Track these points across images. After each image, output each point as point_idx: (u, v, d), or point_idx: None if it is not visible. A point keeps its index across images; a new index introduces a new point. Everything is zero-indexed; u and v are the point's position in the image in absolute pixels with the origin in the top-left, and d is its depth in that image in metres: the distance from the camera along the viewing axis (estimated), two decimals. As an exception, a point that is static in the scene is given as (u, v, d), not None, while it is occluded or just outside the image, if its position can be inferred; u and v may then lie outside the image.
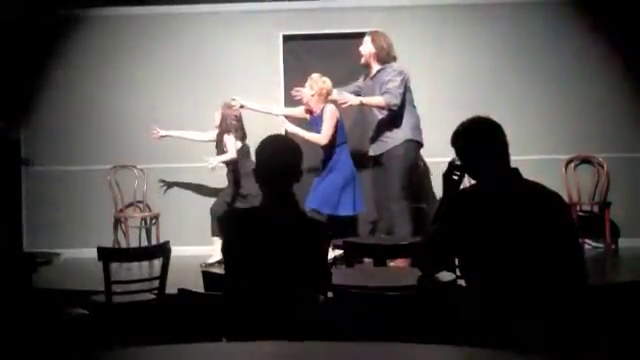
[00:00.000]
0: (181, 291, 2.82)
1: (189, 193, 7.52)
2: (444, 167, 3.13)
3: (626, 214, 7.18)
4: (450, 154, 3.08)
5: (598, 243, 7.12)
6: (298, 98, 6.44)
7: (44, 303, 4.65)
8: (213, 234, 6.44)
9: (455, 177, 3.08)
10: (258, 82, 7.39)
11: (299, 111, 6.46)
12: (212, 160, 6.41)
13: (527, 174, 2.96)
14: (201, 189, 7.45)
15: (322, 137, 6.11)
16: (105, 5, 7.56)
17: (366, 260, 5.24)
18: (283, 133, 6.00)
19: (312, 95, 6.22)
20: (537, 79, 7.37)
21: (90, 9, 7.57)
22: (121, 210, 7.46)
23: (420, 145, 6.26)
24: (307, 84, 6.26)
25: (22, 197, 7.53)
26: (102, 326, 4.31)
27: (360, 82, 6.43)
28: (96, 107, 7.53)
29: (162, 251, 4.50)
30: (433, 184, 7.05)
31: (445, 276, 3.22)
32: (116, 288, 4.40)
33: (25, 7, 7.44)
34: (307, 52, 7.49)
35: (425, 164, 7.07)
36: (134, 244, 7.32)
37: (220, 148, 6.58)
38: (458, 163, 3.06)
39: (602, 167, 7.21)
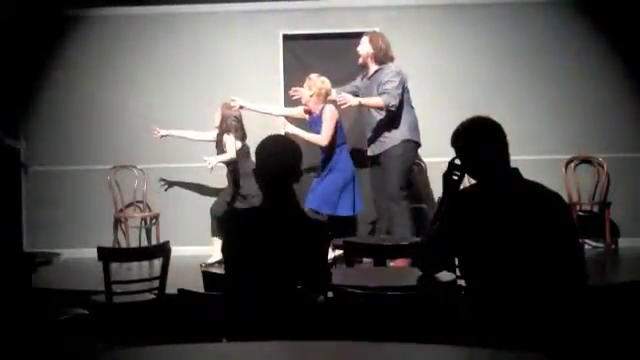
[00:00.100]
0: (181, 291, 2.82)
1: (189, 193, 7.52)
2: (444, 167, 3.13)
3: (626, 214, 7.18)
4: (450, 154, 3.08)
5: (598, 243, 7.12)
6: (296, 98, 6.44)
7: (44, 303, 4.65)
8: (213, 234, 6.45)
9: (455, 177, 3.08)
10: (258, 82, 7.39)
11: (298, 111, 6.45)
12: (211, 160, 6.41)
13: (527, 174, 2.96)
14: (201, 189, 7.45)
15: (322, 138, 6.11)
16: (105, 5, 7.56)
17: (366, 260, 5.24)
18: (283, 134, 6.00)
19: (311, 95, 6.22)
20: (537, 79, 7.38)
21: (90, 9, 7.57)
22: (121, 210, 7.46)
23: (418, 145, 6.27)
24: (306, 84, 6.26)
25: (22, 197, 7.53)
26: (102, 326, 4.31)
27: (358, 82, 6.44)
28: (96, 107, 7.53)
29: (162, 251, 4.50)
30: (433, 184, 7.05)
31: (445, 276, 3.22)
32: (116, 288, 4.40)
33: (25, 7, 7.44)
34: (307, 52, 7.49)
35: (424, 164, 7.07)
36: (134, 244, 7.32)
37: (220, 148, 6.58)
38: (458, 163, 3.06)
39: (602, 167, 7.21)
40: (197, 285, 3.16)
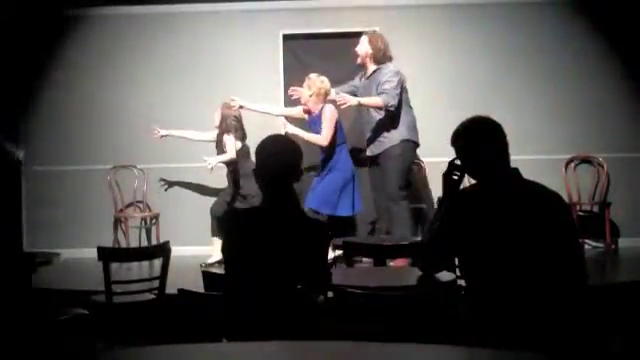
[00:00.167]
0: (181, 291, 2.82)
1: (189, 193, 7.52)
2: (444, 167, 3.13)
3: (626, 214, 7.18)
4: (450, 154, 3.08)
5: (598, 243, 7.12)
6: (294, 98, 6.44)
7: (44, 303, 4.65)
8: (213, 234, 6.45)
9: (455, 177, 3.08)
10: (258, 81, 7.40)
11: (297, 111, 6.45)
12: (211, 160, 6.40)
13: (527, 174, 2.96)
14: (201, 189, 7.45)
15: (323, 138, 6.11)
16: (105, 4, 7.56)
17: (366, 260, 5.24)
18: (283, 134, 6.00)
19: (310, 95, 6.21)
20: (537, 79, 7.38)
21: (90, 8, 7.57)
22: (121, 210, 7.46)
23: (416, 145, 6.28)
24: (305, 84, 6.26)
25: (22, 197, 7.53)
26: (102, 326, 4.31)
27: (356, 82, 6.45)
28: (96, 107, 7.53)
29: (162, 251, 4.50)
30: (433, 184, 7.05)
31: (445, 276, 3.22)
32: (116, 288, 4.40)
33: (25, 7, 7.44)
34: (307, 52, 7.49)
35: (424, 164, 7.07)
36: (134, 244, 7.32)
37: (220, 148, 6.58)
38: (458, 163, 3.06)
39: (602, 167, 7.21)
40: (197, 285, 3.16)
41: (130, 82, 7.54)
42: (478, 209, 2.90)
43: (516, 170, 2.95)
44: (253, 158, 3.14)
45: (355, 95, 6.19)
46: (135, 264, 6.22)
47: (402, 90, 6.14)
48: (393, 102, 6.02)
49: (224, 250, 3.05)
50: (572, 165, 7.26)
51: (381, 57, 6.20)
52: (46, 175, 7.53)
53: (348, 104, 6.02)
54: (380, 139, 6.19)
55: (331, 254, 5.69)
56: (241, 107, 6.54)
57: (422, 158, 6.95)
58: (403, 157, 6.16)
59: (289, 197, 3.02)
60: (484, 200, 2.92)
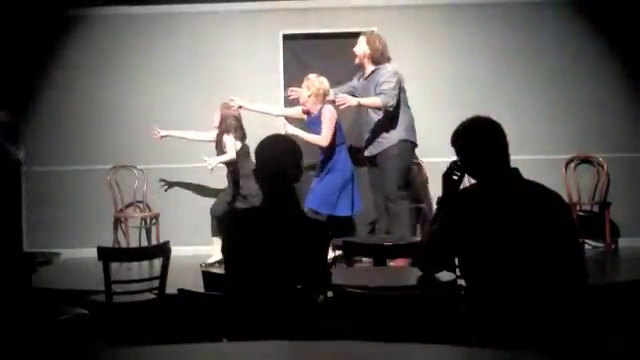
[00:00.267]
0: (181, 291, 2.82)
1: (189, 193, 7.52)
2: (443, 167, 3.13)
3: (626, 214, 7.18)
4: (450, 154, 3.08)
5: (598, 243, 7.12)
6: (292, 98, 6.45)
7: (44, 303, 4.65)
8: (213, 234, 6.45)
9: (455, 177, 3.08)
10: (258, 81, 7.39)
11: (296, 111, 6.45)
12: (211, 161, 6.41)
13: (527, 174, 2.96)
14: (201, 189, 7.45)
15: (323, 139, 6.11)
16: (105, 4, 7.55)
17: (366, 260, 5.24)
18: (283, 134, 6.00)
19: (309, 96, 6.22)
20: (537, 79, 7.38)
21: (90, 9, 7.57)
22: (121, 210, 7.46)
23: (415, 145, 6.30)
24: (304, 84, 6.26)
25: (22, 197, 7.53)
26: (102, 326, 4.31)
27: (354, 82, 6.46)
28: (96, 107, 7.53)
29: (162, 251, 4.50)
30: (432, 184, 7.05)
31: (445, 276, 3.22)
32: (116, 288, 4.40)
33: (25, 7, 7.43)
34: (307, 52, 7.49)
35: (423, 164, 7.07)
36: (134, 244, 7.32)
37: (220, 148, 6.58)
38: (458, 163, 3.06)
39: (602, 167, 7.21)
40: (197, 285, 3.16)
41: (130, 82, 7.54)
42: (478, 209, 2.90)
43: (516, 170, 2.95)
44: (253, 158, 3.14)
45: (353, 95, 6.19)
46: (135, 264, 6.22)
47: (400, 90, 6.15)
48: (392, 102, 6.03)
49: (224, 250, 3.05)
50: (572, 165, 7.26)
51: (379, 57, 6.21)
52: (46, 175, 7.53)
53: (347, 104, 6.02)
54: (378, 139, 6.20)
55: (331, 254, 5.69)
56: (240, 107, 6.55)
57: (422, 158, 6.95)
58: (401, 157, 6.17)
59: (289, 197, 3.03)
60: (484, 200, 2.92)
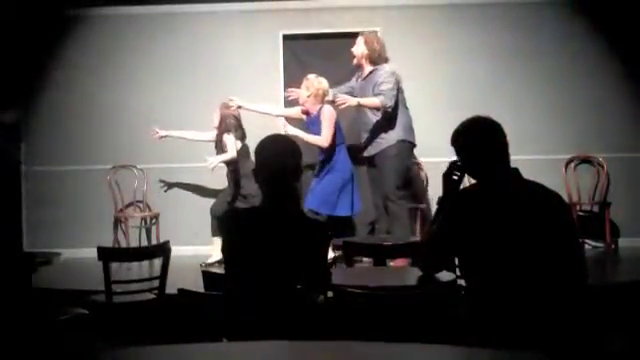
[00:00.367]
0: (181, 291, 2.82)
1: (189, 193, 7.52)
2: (443, 167, 3.13)
3: (626, 214, 7.18)
4: (449, 154, 3.08)
5: (598, 243, 7.12)
6: (291, 99, 6.45)
7: (44, 303, 4.65)
8: (213, 234, 6.44)
9: (455, 177, 3.09)
10: (258, 81, 7.39)
11: (296, 111, 6.46)
12: (212, 159, 6.41)
13: (527, 174, 2.96)
14: (201, 189, 7.45)
15: (323, 139, 6.11)
16: (105, 5, 7.56)
17: (366, 260, 5.24)
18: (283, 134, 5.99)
19: (308, 96, 6.22)
20: (537, 79, 7.38)
21: (90, 9, 7.57)
22: (121, 210, 7.46)
23: (413, 145, 6.30)
24: (303, 85, 6.27)
25: (22, 197, 7.53)
26: (102, 326, 4.31)
27: (352, 83, 6.47)
28: (96, 107, 7.53)
29: (162, 251, 4.50)
30: (432, 184, 7.05)
31: (445, 276, 3.22)
32: (116, 288, 4.40)
33: (26, 7, 7.44)
34: (307, 52, 7.49)
35: (423, 164, 7.07)
36: (134, 244, 7.32)
37: (219, 148, 6.58)
38: (458, 163, 3.06)
39: (602, 167, 7.21)
40: (197, 285, 3.16)
41: (130, 82, 7.54)
42: (478, 209, 2.90)
43: (516, 170, 2.95)
44: (253, 158, 3.13)
45: (352, 96, 6.19)
46: (135, 264, 6.21)
47: (398, 91, 6.15)
48: (390, 103, 6.04)
49: (224, 250, 3.05)
50: (572, 165, 7.26)
51: (377, 58, 6.22)
52: (46, 175, 7.53)
53: (347, 104, 6.03)
54: (377, 140, 6.21)
55: (331, 254, 5.69)
56: (239, 107, 6.55)
57: (422, 158, 6.95)
58: (400, 157, 6.18)
59: (289, 197, 3.02)
60: (484, 200, 2.92)
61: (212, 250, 6.43)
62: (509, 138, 2.97)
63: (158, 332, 4.29)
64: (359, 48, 6.28)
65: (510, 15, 7.42)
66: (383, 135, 6.18)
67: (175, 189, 7.55)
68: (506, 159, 2.96)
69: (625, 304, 4.76)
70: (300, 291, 2.87)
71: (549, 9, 7.41)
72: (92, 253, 4.51)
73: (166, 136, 6.94)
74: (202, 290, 3.17)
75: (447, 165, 3.11)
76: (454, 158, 3.07)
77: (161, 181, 7.52)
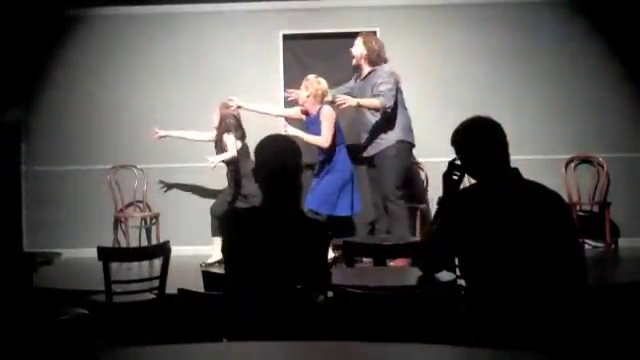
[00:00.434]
0: (181, 291, 2.82)
1: (189, 193, 7.52)
2: (443, 167, 3.13)
3: (626, 214, 7.18)
4: (449, 154, 3.08)
5: (598, 243, 7.12)
6: (291, 99, 6.45)
7: (44, 303, 4.65)
8: (213, 234, 6.44)
9: (455, 177, 3.09)
10: (258, 81, 7.39)
11: (295, 112, 6.46)
12: (213, 158, 6.41)
13: (527, 174, 2.96)
14: (201, 189, 7.45)
15: (323, 139, 6.12)
16: (105, 5, 7.56)
17: (366, 260, 5.24)
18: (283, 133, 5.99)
19: (307, 96, 6.22)
20: (537, 79, 7.38)
21: (90, 9, 7.57)
22: (121, 210, 7.46)
23: (412, 145, 6.31)
24: (302, 85, 6.28)
25: (22, 197, 7.53)
26: (102, 326, 4.31)
27: (351, 83, 6.48)
28: (96, 107, 7.53)
29: (162, 251, 4.50)
30: (432, 184, 7.05)
31: (445, 276, 3.22)
32: (116, 288, 4.41)
33: (26, 7, 7.44)
34: (307, 52, 7.49)
35: (423, 164, 7.07)
36: (134, 244, 7.32)
37: (219, 148, 6.58)
38: (458, 163, 3.06)
39: (602, 167, 7.21)
40: (197, 285, 3.16)
41: (130, 82, 7.54)
42: (478, 209, 2.91)
43: (516, 170, 2.95)
44: (253, 158, 3.13)
45: (351, 96, 6.19)
46: (135, 264, 6.22)
47: (397, 91, 6.16)
48: (390, 104, 6.05)
49: (224, 250, 3.05)
50: (572, 165, 7.26)
51: (375, 58, 6.22)
52: (46, 175, 7.53)
53: (347, 105, 6.03)
54: (376, 140, 6.22)
55: (331, 254, 5.70)
56: (239, 107, 6.55)
57: (422, 158, 6.95)
58: (399, 158, 6.19)
59: (289, 197, 3.02)
60: (484, 200, 2.92)
61: (212, 250, 6.43)
62: (509, 138, 2.97)
63: (158, 332, 4.29)
64: (358, 49, 6.28)
65: (509, 15, 7.42)
66: (382, 136, 6.19)
67: (175, 189, 7.55)
68: (506, 159, 2.96)
69: (625, 304, 4.76)
70: (300, 291, 2.87)
71: (548, 9, 7.41)
72: (92, 253, 4.51)
73: (165, 136, 6.94)
74: (202, 290, 3.17)
75: (447, 165, 3.11)
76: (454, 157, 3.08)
77: (161, 182, 7.52)
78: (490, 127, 2.98)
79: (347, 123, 6.81)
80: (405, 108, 6.27)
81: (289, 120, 6.43)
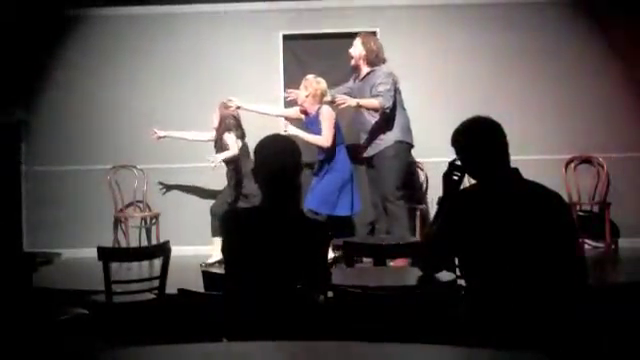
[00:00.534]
0: (181, 291, 2.82)
1: (189, 193, 7.52)
2: (443, 167, 3.13)
3: (626, 214, 7.18)
4: (449, 154, 3.08)
5: (598, 243, 7.12)
6: (290, 99, 6.45)
7: (44, 303, 4.65)
8: (213, 234, 6.44)
9: (455, 177, 3.09)
10: (258, 81, 7.39)
11: (295, 112, 6.46)
12: (214, 157, 6.41)
13: (527, 174, 2.96)
14: (201, 189, 7.45)
15: (324, 139, 6.12)
16: (105, 5, 7.56)
17: (366, 260, 5.25)
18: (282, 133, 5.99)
19: (306, 96, 6.23)
20: (537, 79, 7.37)
21: (91, 9, 7.57)
22: (121, 210, 7.46)
23: (411, 146, 6.32)
24: (302, 85, 6.28)
25: (22, 197, 7.53)
26: (102, 326, 4.31)
27: (350, 84, 6.48)
28: (96, 107, 7.53)
29: (162, 251, 4.50)
30: (432, 184, 7.05)
31: (445, 276, 3.22)
32: (116, 288, 4.41)
33: (26, 7, 7.44)
34: (307, 52, 7.49)
35: (423, 164, 7.07)
36: (134, 244, 7.32)
37: (219, 148, 6.58)
38: (458, 163, 3.06)
39: (602, 167, 7.21)
40: (197, 285, 3.16)
41: (130, 82, 7.54)
42: (478, 209, 2.91)
43: (516, 170, 2.95)
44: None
45: (350, 96, 6.20)
46: (135, 264, 6.21)
47: (396, 92, 6.16)
48: (389, 104, 6.06)
49: (224, 250, 3.05)
50: (572, 165, 7.26)
51: (374, 59, 6.22)
52: (46, 175, 7.53)
53: (346, 105, 6.04)
54: (375, 141, 6.23)
55: (331, 254, 5.70)
56: (239, 107, 6.54)
57: (422, 158, 6.95)
58: (398, 158, 6.19)
59: (288, 197, 3.02)
60: (484, 200, 2.92)
61: (212, 250, 6.43)
62: (509, 138, 2.97)
63: (158, 332, 4.29)
64: (356, 49, 6.29)
65: (511, 15, 7.42)
66: (381, 136, 6.19)
67: (175, 189, 7.55)
68: (506, 159, 2.96)
69: (625, 304, 4.75)
70: (300, 291, 2.87)
71: (550, 9, 7.40)
72: (92, 253, 4.51)
73: (165, 136, 6.93)
74: (202, 290, 3.17)
75: (447, 165, 3.11)
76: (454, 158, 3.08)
77: (160, 183, 7.52)
78: (490, 127, 2.98)
79: (346, 123, 6.81)
80: (404, 109, 6.28)
81: (289, 120, 6.43)
